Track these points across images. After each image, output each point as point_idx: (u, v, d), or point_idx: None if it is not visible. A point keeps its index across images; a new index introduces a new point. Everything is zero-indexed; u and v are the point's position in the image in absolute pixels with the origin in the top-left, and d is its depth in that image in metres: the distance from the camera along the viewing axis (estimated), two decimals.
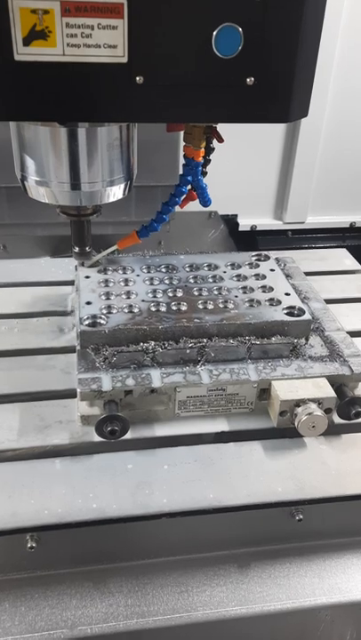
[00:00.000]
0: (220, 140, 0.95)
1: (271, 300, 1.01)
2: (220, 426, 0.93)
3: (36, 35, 0.68)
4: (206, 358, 0.93)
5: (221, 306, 0.99)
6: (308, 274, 1.19)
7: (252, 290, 1.05)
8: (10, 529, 0.77)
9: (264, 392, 0.93)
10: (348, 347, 0.98)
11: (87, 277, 1.06)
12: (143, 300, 1.00)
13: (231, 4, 0.71)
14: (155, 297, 1.01)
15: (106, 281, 1.05)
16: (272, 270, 1.11)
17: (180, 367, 0.92)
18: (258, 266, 1.13)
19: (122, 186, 0.93)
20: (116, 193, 0.93)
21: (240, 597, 0.83)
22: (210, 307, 0.99)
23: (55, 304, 1.18)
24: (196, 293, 1.03)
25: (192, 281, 1.07)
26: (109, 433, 0.84)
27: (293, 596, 0.84)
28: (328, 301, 1.12)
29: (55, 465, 0.85)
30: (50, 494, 0.81)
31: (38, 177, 0.88)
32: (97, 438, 0.86)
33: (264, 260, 1.15)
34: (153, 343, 0.92)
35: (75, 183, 0.88)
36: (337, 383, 0.92)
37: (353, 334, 1.04)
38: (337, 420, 0.93)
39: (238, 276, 1.09)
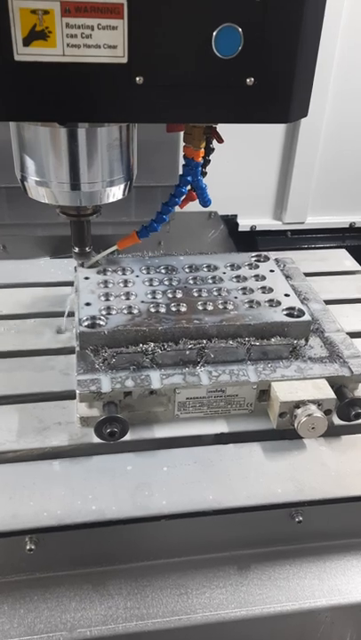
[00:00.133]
0: (220, 140, 0.94)
1: (271, 300, 1.01)
2: (220, 427, 0.93)
3: (35, 35, 0.68)
4: (206, 359, 0.93)
5: (221, 307, 0.99)
6: (307, 274, 1.19)
7: (251, 291, 1.04)
8: (9, 531, 0.76)
9: (264, 393, 0.92)
10: (347, 348, 0.98)
11: (86, 278, 1.05)
12: (143, 301, 0.99)
13: (231, 5, 0.70)
14: (154, 298, 1.01)
15: (105, 282, 1.04)
16: (272, 271, 1.11)
17: (180, 368, 0.92)
18: (257, 267, 1.13)
19: (122, 186, 0.93)
20: (115, 193, 0.93)
21: (240, 599, 0.83)
22: (209, 308, 0.99)
23: (54, 305, 1.18)
24: (195, 294, 1.03)
25: (192, 282, 1.07)
26: (109, 434, 0.84)
27: (293, 598, 0.83)
28: (328, 302, 1.11)
29: (54, 466, 0.85)
30: (49, 496, 0.81)
31: (38, 177, 0.88)
32: (96, 440, 0.86)
33: (264, 261, 1.15)
34: (152, 344, 0.92)
35: (74, 183, 0.88)
36: (337, 384, 0.92)
37: (353, 335, 1.03)
38: (337, 421, 0.92)
39: (238, 276, 1.08)
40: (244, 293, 1.04)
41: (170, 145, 1.49)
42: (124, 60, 0.71)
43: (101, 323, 0.94)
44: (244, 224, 1.94)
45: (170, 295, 1.02)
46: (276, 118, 0.80)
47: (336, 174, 1.90)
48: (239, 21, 0.71)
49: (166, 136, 0.96)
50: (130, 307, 0.97)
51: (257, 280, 1.08)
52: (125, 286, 1.04)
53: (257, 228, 1.95)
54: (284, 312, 0.98)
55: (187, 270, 1.10)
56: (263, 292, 1.04)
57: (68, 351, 1.06)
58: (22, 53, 0.69)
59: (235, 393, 0.92)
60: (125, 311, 0.97)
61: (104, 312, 0.96)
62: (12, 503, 0.79)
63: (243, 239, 1.92)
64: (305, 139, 1.79)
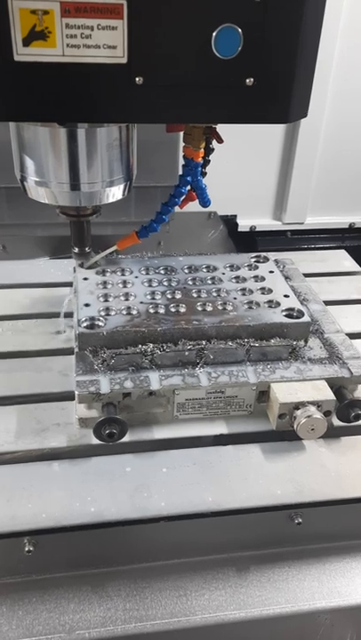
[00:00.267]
0: (220, 140, 0.94)
1: (270, 301, 1.01)
2: (219, 428, 0.93)
3: (35, 35, 0.68)
4: (205, 360, 0.93)
5: (220, 308, 0.99)
6: (307, 275, 1.18)
7: (250, 292, 1.04)
8: (7, 532, 0.76)
9: (263, 394, 0.92)
10: (347, 349, 0.98)
11: (85, 279, 1.05)
12: (142, 302, 0.99)
13: (231, 5, 0.70)
14: (153, 299, 1.00)
15: (104, 283, 1.04)
16: (271, 272, 1.11)
17: (179, 369, 0.91)
18: (257, 267, 1.12)
19: (121, 186, 0.93)
20: (115, 193, 0.93)
21: (239, 601, 0.82)
22: (209, 309, 0.99)
23: (54, 306, 1.18)
24: (194, 295, 1.02)
25: (191, 283, 1.06)
26: (108, 436, 0.83)
27: (293, 600, 0.83)
28: (327, 303, 1.11)
29: (53, 468, 0.85)
30: (47, 497, 0.80)
31: (38, 177, 0.88)
32: (95, 441, 0.86)
33: (263, 262, 1.15)
34: (151, 345, 0.91)
35: (74, 184, 0.88)
36: (336, 385, 0.92)
37: (352, 336, 1.03)
38: (336, 422, 0.92)
39: (237, 277, 1.08)
40: (244, 294, 1.04)
41: (169, 145, 1.48)
42: (124, 61, 0.71)
43: (100, 324, 0.93)
44: (244, 224, 1.93)
45: (169, 296, 1.02)
46: (276, 119, 0.80)
47: (336, 174, 1.90)
48: (239, 22, 0.71)
49: (166, 136, 0.95)
50: (129, 307, 0.97)
51: (256, 281, 1.08)
52: (124, 287, 1.04)
53: (257, 229, 1.94)
54: (284, 313, 0.98)
55: (186, 271, 1.10)
56: (263, 293, 1.04)
57: (67, 352, 1.05)
58: (22, 53, 0.69)
59: (234, 394, 0.91)
60: (124, 312, 0.96)
61: (103, 313, 0.96)
62: (11, 505, 0.79)
63: (242, 239, 1.92)
64: (305, 139, 1.79)
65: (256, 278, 1.09)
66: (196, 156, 0.93)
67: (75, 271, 1.08)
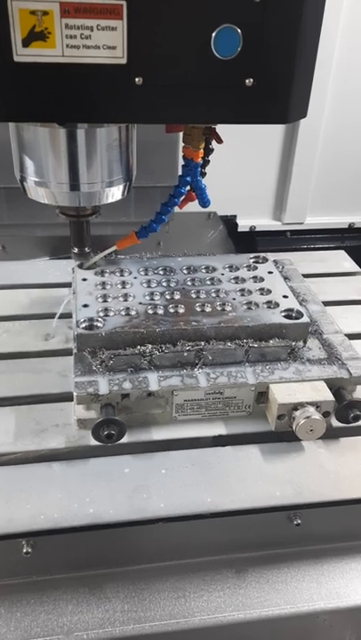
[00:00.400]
0: (220, 140, 0.94)
1: (269, 302, 1.01)
2: (218, 429, 0.93)
3: (35, 36, 0.68)
4: (204, 361, 0.92)
5: (219, 308, 0.99)
6: (306, 276, 1.18)
7: (250, 292, 1.04)
8: (5, 534, 0.76)
9: (262, 395, 0.92)
10: (346, 349, 0.98)
11: (84, 280, 1.05)
12: (140, 303, 0.99)
13: (230, 5, 0.70)
14: (152, 299, 1.00)
15: (103, 283, 1.04)
16: (270, 272, 1.11)
17: (178, 370, 0.91)
18: (256, 268, 1.12)
19: (121, 187, 0.93)
20: (115, 194, 0.93)
21: (238, 602, 0.82)
22: (207, 309, 0.98)
23: (53, 306, 1.17)
24: (193, 296, 1.02)
25: (190, 283, 1.06)
26: (106, 437, 0.83)
27: (291, 601, 0.83)
28: (326, 304, 1.11)
29: (51, 469, 0.85)
30: (46, 499, 0.80)
31: (37, 178, 0.88)
32: (93, 442, 0.86)
33: (262, 263, 1.15)
34: (150, 346, 0.91)
35: (74, 184, 0.88)
36: (335, 386, 0.92)
37: (351, 337, 1.03)
38: (335, 423, 0.92)
39: (236, 278, 1.08)
40: (243, 295, 1.04)
41: (169, 145, 1.48)
42: (124, 61, 0.71)
43: (99, 324, 0.93)
44: (244, 224, 1.93)
45: (168, 297, 1.01)
46: (276, 119, 0.80)
47: (335, 175, 1.90)
48: (238, 22, 0.71)
49: (165, 137, 0.95)
50: (127, 308, 0.97)
51: (255, 281, 1.08)
52: (123, 288, 1.04)
53: (256, 229, 1.94)
54: (283, 314, 0.98)
55: (185, 272, 1.10)
56: (261, 294, 1.04)
57: (65, 353, 1.05)
58: (22, 54, 0.69)
59: (233, 395, 0.91)
60: (123, 313, 0.96)
61: (102, 314, 0.95)
62: (9, 506, 0.79)
63: (242, 239, 1.92)
64: (304, 139, 1.78)
65: (255, 279, 1.08)
66: (195, 156, 0.93)
67: (73, 272, 1.08)
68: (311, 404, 0.87)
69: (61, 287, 1.24)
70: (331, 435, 0.91)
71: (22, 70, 0.69)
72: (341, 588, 0.85)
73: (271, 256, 1.17)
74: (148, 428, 0.92)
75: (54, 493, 0.81)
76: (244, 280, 1.08)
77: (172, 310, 0.98)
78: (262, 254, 1.17)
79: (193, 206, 1.04)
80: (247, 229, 1.94)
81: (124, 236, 1.04)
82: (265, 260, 1.15)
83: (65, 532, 0.77)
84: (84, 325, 0.93)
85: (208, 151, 0.95)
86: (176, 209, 1.02)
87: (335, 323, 1.05)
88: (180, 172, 0.97)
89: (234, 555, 0.86)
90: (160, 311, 0.97)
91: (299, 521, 0.83)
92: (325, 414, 0.88)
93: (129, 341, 0.92)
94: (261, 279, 1.08)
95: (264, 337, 0.95)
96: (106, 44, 0.69)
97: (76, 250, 1.05)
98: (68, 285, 1.22)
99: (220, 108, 0.77)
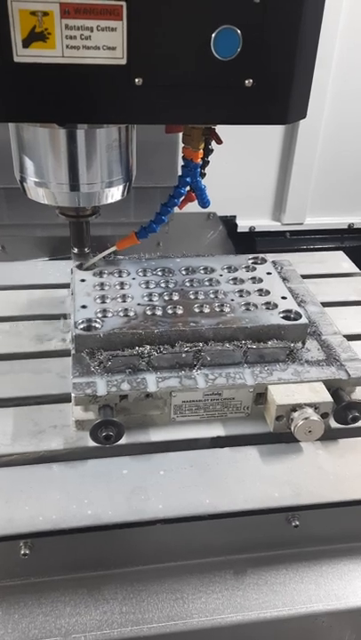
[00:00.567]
0: (219, 141, 0.94)
1: (268, 303, 1.01)
2: (217, 431, 0.92)
3: (35, 36, 0.68)
4: (202, 362, 0.92)
5: (218, 309, 0.99)
6: (305, 277, 1.18)
7: (248, 293, 1.04)
8: (3, 535, 0.76)
9: (260, 396, 0.92)
10: (345, 351, 0.98)
11: (83, 281, 1.05)
12: (139, 304, 0.99)
13: (230, 6, 0.70)
14: (150, 300, 1.00)
15: (101, 284, 1.04)
16: (269, 273, 1.11)
17: (176, 371, 0.91)
18: (254, 269, 1.12)
19: (120, 187, 0.93)
20: (114, 194, 0.93)
21: (236, 604, 0.82)
22: (206, 310, 0.98)
23: (52, 307, 1.17)
24: (192, 297, 1.02)
25: (188, 284, 1.06)
26: (104, 438, 0.83)
27: (290, 603, 0.83)
28: (325, 305, 1.11)
29: (50, 470, 0.85)
30: (44, 500, 0.80)
31: (37, 178, 0.88)
32: (92, 443, 0.85)
33: (261, 263, 1.14)
34: (148, 347, 0.91)
35: (74, 184, 0.88)
36: (334, 387, 0.92)
37: (350, 338, 1.03)
38: (334, 424, 0.92)
39: (235, 279, 1.08)
40: (241, 296, 1.03)
41: (169, 146, 1.48)
42: (123, 62, 0.71)
43: (97, 325, 0.93)
44: (243, 225, 1.93)
45: (166, 298, 1.01)
46: (275, 119, 0.80)
47: (335, 175, 1.90)
48: (238, 23, 0.71)
49: (165, 137, 0.95)
50: (126, 309, 0.97)
51: (254, 282, 1.08)
52: (122, 289, 1.04)
53: (256, 229, 1.94)
54: (281, 315, 0.98)
55: (183, 272, 1.10)
56: (260, 295, 1.04)
57: (64, 354, 1.05)
58: (22, 55, 0.69)
59: (231, 396, 0.91)
60: (121, 314, 0.96)
61: (100, 315, 0.95)
62: (7, 507, 0.79)
63: (242, 240, 1.92)
64: (304, 140, 1.79)
65: (254, 280, 1.08)
66: (195, 156, 0.93)
67: (72, 272, 1.08)
68: (310, 405, 0.87)
69: (61, 288, 1.24)
70: (329, 436, 0.91)
71: (22, 71, 0.69)
72: (340, 590, 0.85)
73: (270, 257, 1.17)
74: (147, 430, 0.91)
75: (53, 495, 0.81)
76: (242, 281, 1.08)
77: (170, 311, 0.98)
78: (261, 255, 1.17)
79: (193, 207, 1.04)
80: (247, 230, 1.94)
81: (123, 236, 1.04)
82: (264, 260, 1.15)
83: (63, 533, 0.77)
84: (82, 326, 0.93)
85: (208, 152, 0.95)
86: (176, 209, 1.02)
87: (334, 324, 1.05)
88: (179, 173, 0.97)
89: (232, 556, 0.86)
90: (158, 312, 0.97)
91: (297, 522, 0.83)
92: (324, 415, 0.88)
93: (127, 342, 0.92)
94: (260, 280, 1.08)
95: (262, 338, 0.95)
96: (106, 44, 0.69)
97: (75, 250, 1.05)
98: (67, 286, 1.22)
99: (220, 109, 0.77)
